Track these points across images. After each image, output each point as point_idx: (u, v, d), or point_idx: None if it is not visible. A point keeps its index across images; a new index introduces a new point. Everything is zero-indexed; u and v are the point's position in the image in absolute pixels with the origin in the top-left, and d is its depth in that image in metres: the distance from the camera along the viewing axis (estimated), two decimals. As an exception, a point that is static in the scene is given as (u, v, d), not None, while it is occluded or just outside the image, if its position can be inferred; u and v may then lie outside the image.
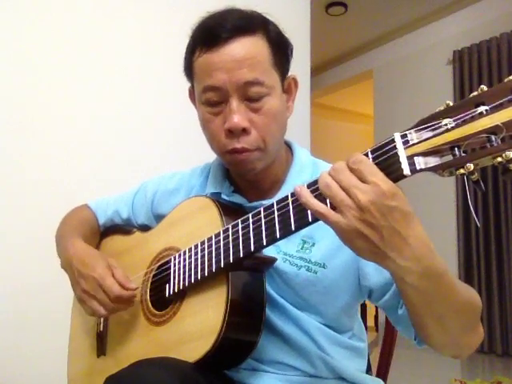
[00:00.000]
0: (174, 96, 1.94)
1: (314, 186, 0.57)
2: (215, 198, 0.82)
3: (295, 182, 0.80)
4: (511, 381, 2.58)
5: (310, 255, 0.76)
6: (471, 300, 0.64)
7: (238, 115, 0.72)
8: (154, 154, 1.83)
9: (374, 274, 0.74)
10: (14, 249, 1.52)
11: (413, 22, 3.86)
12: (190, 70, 0.78)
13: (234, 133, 0.73)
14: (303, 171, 0.83)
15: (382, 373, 1.02)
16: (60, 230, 1.01)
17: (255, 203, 0.80)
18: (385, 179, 0.51)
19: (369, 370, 0.91)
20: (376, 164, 0.53)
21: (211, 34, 0.72)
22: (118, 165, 1.75)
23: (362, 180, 0.51)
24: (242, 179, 0.84)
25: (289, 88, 0.81)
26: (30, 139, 1.59)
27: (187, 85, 0.83)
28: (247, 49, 0.71)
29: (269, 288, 0.75)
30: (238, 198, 0.83)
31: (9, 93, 1.56)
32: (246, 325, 0.70)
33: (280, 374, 0.76)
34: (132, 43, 1.85)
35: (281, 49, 0.77)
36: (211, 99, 0.74)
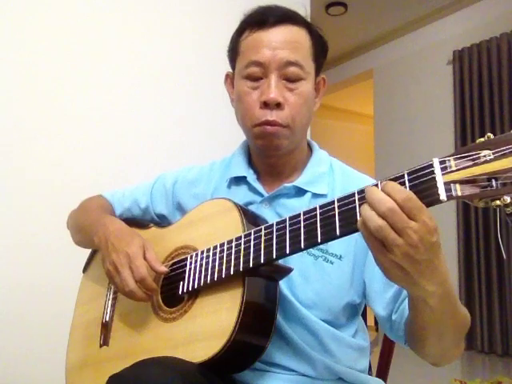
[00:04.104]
0: (175, 96, 1.94)
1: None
2: (238, 182, 0.88)
3: (315, 169, 0.86)
4: (511, 381, 2.58)
5: (327, 246, 0.77)
6: (465, 318, 0.68)
7: (275, 89, 0.78)
8: (154, 154, 1.83)
9: (379, 276, 0.75)
10: (13, 249, 1.52)
11: (413, 22, 3.85)
12: (235, 49, 0.85)
13: (268, 105, 0.78)
14: (321, 163, 0.87)
15: (382, 373, 1.02)
16: (82, 215, 1.01)
17: (276, 190, 0.83)
18: (430, 215, 0.53)
19: (369, 370, 0.91)
20: (412, 186, 0.54)
21: (262, 16, 0.81)
22: (119, 164, 1.75)
23: (411, 217, 0.52)
24: (264, 163, 0.88)
25: (318, 86, 0.87)
26: (31, 139, 1.59)
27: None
28: (292, 34, 0.80)
29: (284, 288, 0.75)
30: (259, 187, 0.86)
31: (9, 93, 1.56)
32: (257, 330, 0.70)
33: (282, 374, 0.76)
34: (134, 42, 1.85)
35: (320, 47, 0.84)
36: (253, 74, 0.80)
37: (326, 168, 0.86)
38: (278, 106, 0.78)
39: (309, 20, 0.85)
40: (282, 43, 0.78)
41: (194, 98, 1.90)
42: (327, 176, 0.85)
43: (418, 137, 3.73)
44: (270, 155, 0.85)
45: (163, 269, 0.79)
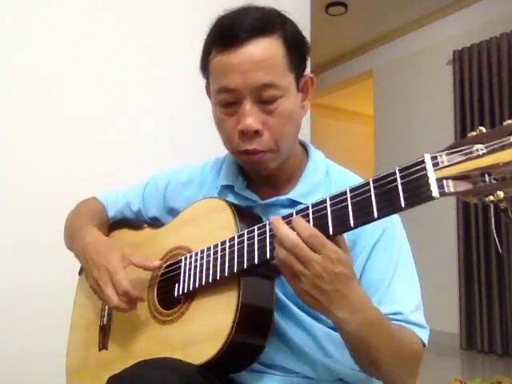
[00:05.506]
0: (174, 96, 1.94)
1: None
2: (228, 191, 0.84)
3: (311, 179, 0.82)
4: (511, 381, 2.58)
5: None
6: (410, 350, 0.70)
7: (250, 117, 0.72)
8: (154, 154, 1.83)
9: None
10: (13, 249, 1.52)
11: (413, 22, 3.85)
12: (205, 68, 0.79)
13: (246, 134, 0.73)
14: (318, 170, 0.84)
15: (382, 373, 1.02)
16: (72, 220, 1.00)
17: (270, 200, 0.81)
18: (333, 248, 0.58)
19: (369, 370, 0.91)
20: (404, 183, 0.54)
21: (228, 34, 0.72)
22: (119, 164, 1.75)
23: (315, 250, 0.57)
24: (257, 175, 0.84)
25: (305, 87, 0.80)
26: (31, 139, 1.59)
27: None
28: (263, 51, 0.71)
29: (278, 291, 0.75)
30: (250, 195, 0.83)
31: (9, 93, 1.56)
32: (254, 331, 0.70)
33: (282, 376, 0.76)
34: (133, 43, 1.85)
35: (297, 49, 0.76)
36: (225, 100, 0.74)
37: (322, 175, 0.83)
38: (257, 133, 0.73)
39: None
40: (253, 64, 0.70)
41: (193, 98, 1.90)
42: (323, 184, 0.82)
43: (417, 137, 3.73)
44: (259, 173, 0.82)
45: (156, 263, 0.80)
